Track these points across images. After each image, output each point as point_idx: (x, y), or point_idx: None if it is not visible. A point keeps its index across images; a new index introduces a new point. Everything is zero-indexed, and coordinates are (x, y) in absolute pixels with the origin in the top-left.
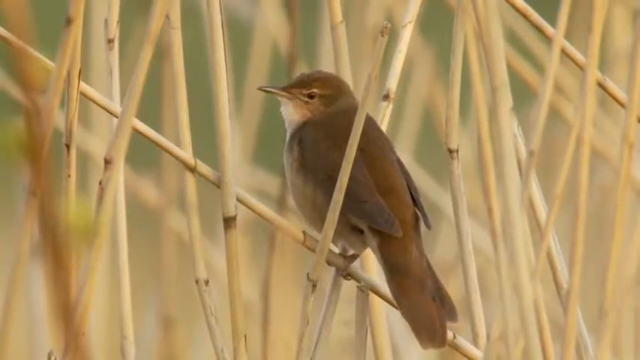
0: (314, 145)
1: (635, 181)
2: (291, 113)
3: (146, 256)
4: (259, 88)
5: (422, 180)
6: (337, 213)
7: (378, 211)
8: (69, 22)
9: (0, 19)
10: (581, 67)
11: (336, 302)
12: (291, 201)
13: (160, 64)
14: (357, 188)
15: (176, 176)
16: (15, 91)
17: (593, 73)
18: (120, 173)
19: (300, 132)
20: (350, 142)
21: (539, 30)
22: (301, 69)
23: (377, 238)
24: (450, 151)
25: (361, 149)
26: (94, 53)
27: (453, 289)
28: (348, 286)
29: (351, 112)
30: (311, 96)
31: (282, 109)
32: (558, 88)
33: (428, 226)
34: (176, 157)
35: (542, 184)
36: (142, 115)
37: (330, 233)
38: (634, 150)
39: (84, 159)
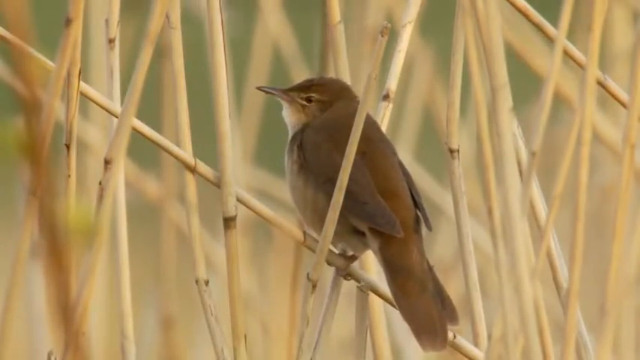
0: (315, 148)
1: (637, 175)
2: (289, 116)
3: (146, 255)
4: (258, 88)
5: (422, 180)
6: (337, 213)
7: (379, 212)
8: (69, 22)
9: (0, 19)
10: (581, 66)
11: (336, 302)
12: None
13: (160, 64)
14: (358, 189)
15: (176, 176)
16: (15, 91)
17: (594, 73)
18: (120, 173)
19: (301, 135)
20: (350, 140)
21: (539, 29)
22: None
23: (378, 240)
24: (451, 151)
25: (363, 152)
26: (94, 53)
27: (453, 288)
28: (348, 286)
29: (352, 116)
30: (309, 100)
31: (283, 111)
32: (559, 86)
33: (429, 228)
34: (176, 157)
35: (542, 184)
36: (142, 115)
37: (331, 233)
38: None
39: (84, 159)
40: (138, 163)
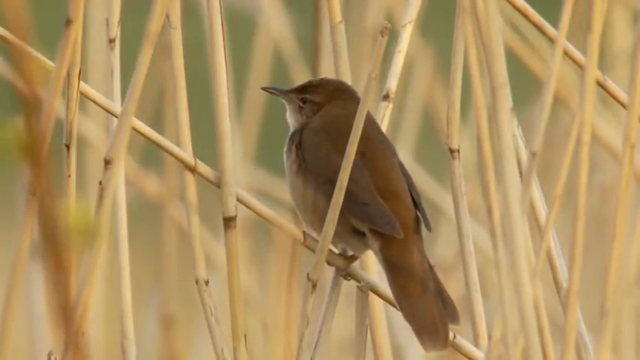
0: (314, 149)
1: (637, 176)
2: (289, 116)
3: (146, 255)
4: (263, 88)
5: (422, 180)
6: (337, 212)
7: (378, 213)
8: (69, 22)
9: (0, 19)
10: (581, 67)
11: (336, 302)
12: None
13: (160, 64)
14: (357, 190)
15: (177, 175)
16: (15, 91)
17: (593, 73)
18: (120, 173)
19: (299, 135)
20: (350, 140)
21: (539, 29)
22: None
23: (379, 240)
24: (451, 151)
25: (363, 152)
26: (94, 53)
27: (453, 289)
28: (348, 286)
29: (351, 116)
30: (304, 101)
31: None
32: (562, 81)
33: (429, 229)
34: (176, 157)
35: (542, 184)
36: (142, 115)
37: (331, 232)
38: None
39: (85, 159)
40: (139, 162)
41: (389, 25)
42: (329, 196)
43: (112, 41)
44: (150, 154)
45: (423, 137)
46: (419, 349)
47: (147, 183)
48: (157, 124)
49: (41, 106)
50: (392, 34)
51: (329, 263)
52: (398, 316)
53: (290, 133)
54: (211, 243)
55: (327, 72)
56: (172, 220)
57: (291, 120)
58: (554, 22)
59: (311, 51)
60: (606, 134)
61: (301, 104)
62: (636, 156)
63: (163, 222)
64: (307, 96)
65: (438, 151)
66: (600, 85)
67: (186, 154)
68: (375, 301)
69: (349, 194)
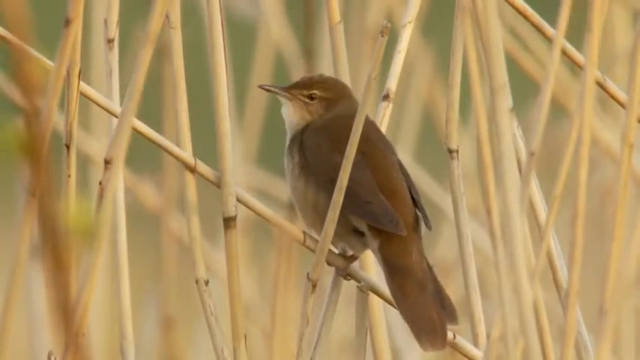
0: (315, 149)
1: (636, 177)
2: (291, 114)
3: (146, 256)
4: (260, 87)
5: (422, 180)
6: (337, 212)
7: (382, 211)
8: (68, 22)
9: (0, 19)
10: (580, 67)
11: (336, 302)
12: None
13: (160, 64)
14: (360, 189)
15: (176, 176)
16: (15, 91)
17: (593, 73)
18: (120, 173)
19: (301, 135)
20: (350, 140)
21: (538, 30)
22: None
23: (378, 239)
24: (450, 152)
25: (362, 152)
26: (94, 53)
27: (453, 289)
28: (348, 286)
29: (352, 115)
30: (311, 97)
31: (283, 109)
32: (559, 86)
33: (429, 227)
34: (176, 157)
35: (542, 184)
36: (142, 115)
37: (331, 232)
38: (634, 150)
39: (84, 159)
40: (137, 164)
41: (389, 25)
42: (330, 195)
43: (110, 41)
44: (148, 158)
45: (423, 137)
46: (418, 349)
47: (147, 186)
48: (157, 124)
49: (41, 106)
50: (392, 34)
51: (329, 263)
52: (397, 316)
53: (292, 134)
54: (211, 244)
55: (325, 72)
56: (172, 222)
57: (295, 117)
58: (554, 23)
59: (304, 53)
60: (605, 137)
61: (308, 100)
62: (635, 157)
63: (163, 223)
64: (316, 92)
65: (437, 151)
66: (600, 85)
67: (186, 154)
68: (375, 301)
69: (352, 193)
